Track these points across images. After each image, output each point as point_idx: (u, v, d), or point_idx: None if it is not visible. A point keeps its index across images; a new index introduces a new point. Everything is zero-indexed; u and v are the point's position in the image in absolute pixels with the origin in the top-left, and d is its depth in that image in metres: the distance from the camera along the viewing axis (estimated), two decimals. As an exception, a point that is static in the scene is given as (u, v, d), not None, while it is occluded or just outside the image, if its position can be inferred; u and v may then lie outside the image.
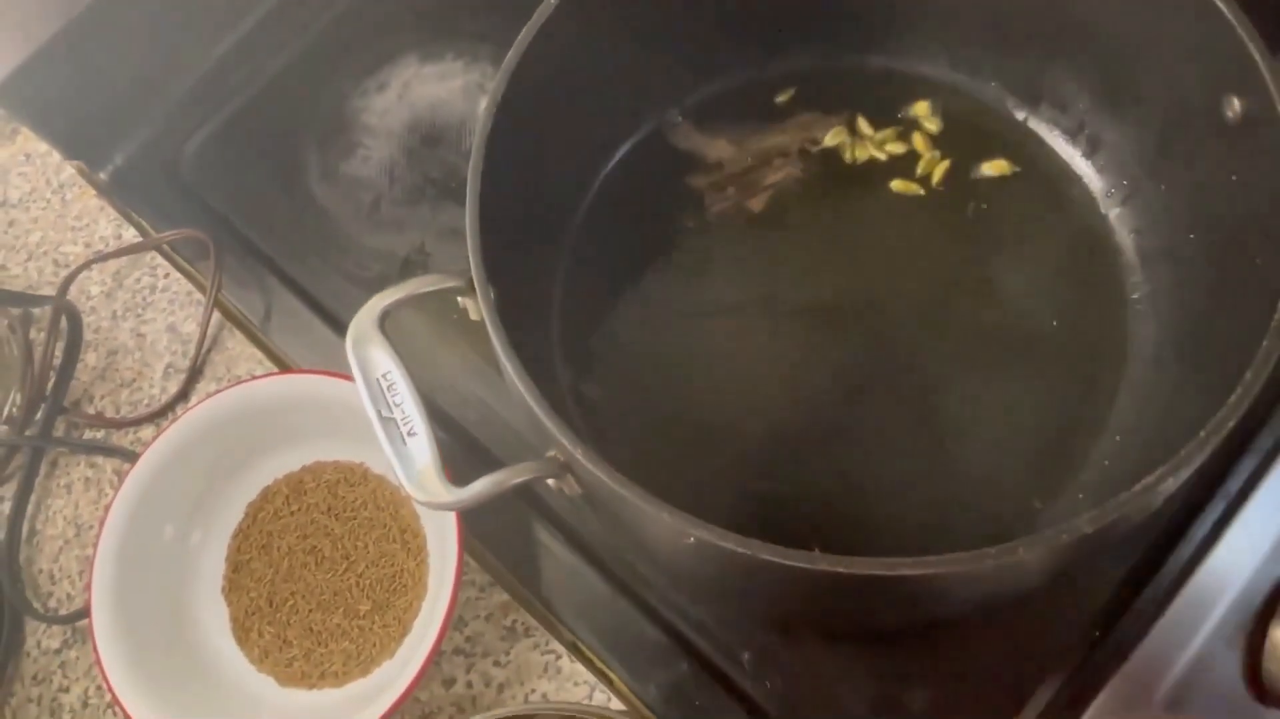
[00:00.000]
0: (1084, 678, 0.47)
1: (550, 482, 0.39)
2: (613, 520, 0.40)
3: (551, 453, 0.38)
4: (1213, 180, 0.47)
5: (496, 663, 0.49)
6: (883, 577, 0.33)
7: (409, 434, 0.38)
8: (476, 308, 0.41)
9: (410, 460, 0.38)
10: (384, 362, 0.39)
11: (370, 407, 0.38)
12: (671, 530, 0.35)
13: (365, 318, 0.40)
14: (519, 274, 0.45)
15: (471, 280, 0.41)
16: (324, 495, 0.53)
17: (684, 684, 0.48)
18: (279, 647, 0.51)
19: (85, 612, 0.54)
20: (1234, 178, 0.45)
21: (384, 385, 0.39)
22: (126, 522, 0.50)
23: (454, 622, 0.50)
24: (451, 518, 0.47)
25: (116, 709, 0.51)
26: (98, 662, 0.47)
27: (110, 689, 0.46)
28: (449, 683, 0.49)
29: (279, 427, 0.53)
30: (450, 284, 0.41)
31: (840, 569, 0.33)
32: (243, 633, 0.51)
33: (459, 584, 0.46)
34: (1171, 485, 0.34)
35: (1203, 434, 0.35)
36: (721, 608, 0.47)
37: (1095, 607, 0.48)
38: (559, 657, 0.49)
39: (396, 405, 0.39)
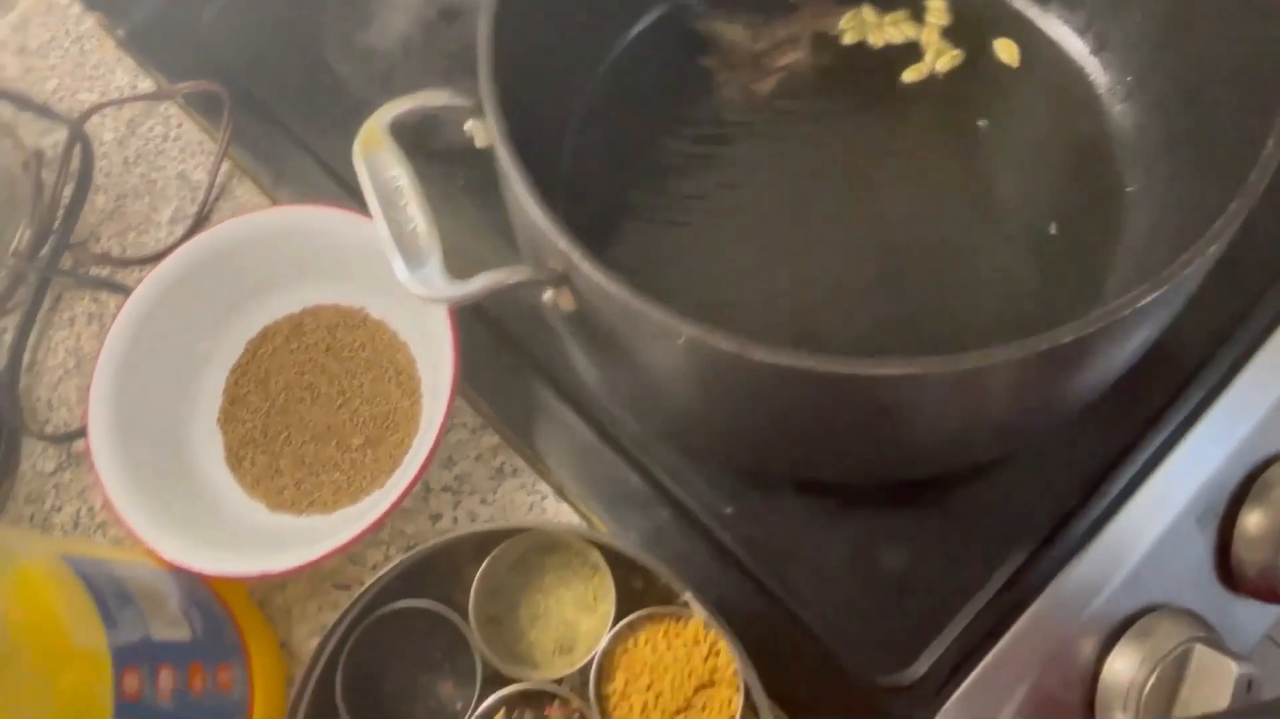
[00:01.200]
0: (1055, 549, 0.48)
1: (546, 296, 0.40)
2: (605, 339, 0.41)
3: (551, 263, 0.39)
4: (1213, 71, 0.48)
5: (484, 501, 0.50)
6: (865, 376, 0.34)
7: (413, 232, 0.39)
8: (484, 133, 0.42)
9: (414, 256, 0.38)
10: (392, 164, 0.40)
11: (375, 202, 0.39)
12: (663, 333, 0.36)
13: (374, 123, 0.41)
14: (527, 120, 0.46)
15: (480, 103, 0.42)
16: (323, 336, 0.54)
17: (664, 531, 0.49)
18: (271, 475, 0.52)
19: (82, 432, 0.55)
20: (1233, 65, 0.46)
21: (391, 187, 0.40)
22: (128, 343, 0.51)
23: (443, 461, 0.51)
24: (448, 356, 0.48)
25: (107, 529, 0.52)
26: (95, 473, 0.48)
27: (107, 498, 0.47)
28: (435, 518, 0.51)
29: (281, 263, 0.53)
30: (459, 102, 0.42)
31: (825, 368, 0.34)
32: (236, 461, 0.52)
33: (450, 412, 0.47)
34: (1145, 302, 0.34)
35: (1164, 272, 0.35)
36: (705, 451, 0.48)
37: (1073, 480, 0.49)
38: (544, 498, 0.50)
39: (401, 206, 0.39)
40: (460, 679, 0.46)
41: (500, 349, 0.53)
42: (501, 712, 0.43)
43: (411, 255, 0.39)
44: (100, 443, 0.49)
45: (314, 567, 0.47)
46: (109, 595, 0.37)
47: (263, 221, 0.53)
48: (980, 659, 0.47)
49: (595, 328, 0.41)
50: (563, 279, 0.39)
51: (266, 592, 0.51)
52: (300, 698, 0.44)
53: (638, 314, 0.36)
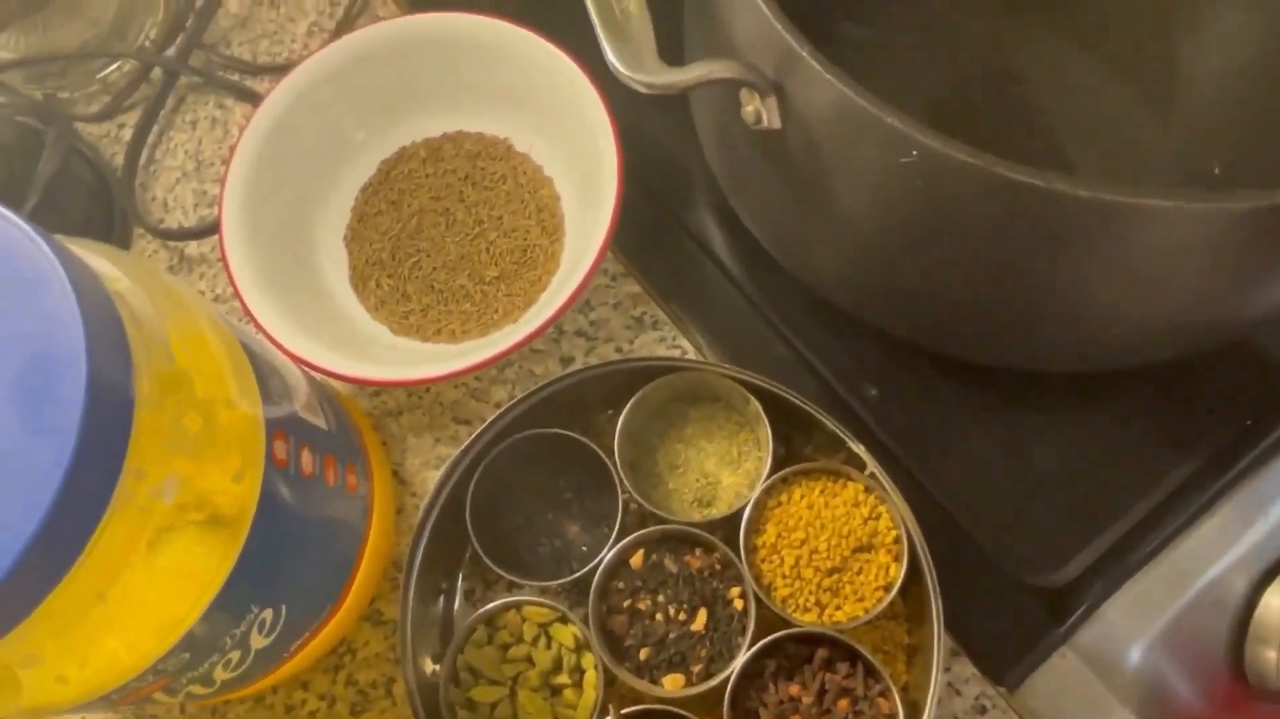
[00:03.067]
0: (1224, 469, 0.45)
1: (748, 109, 0.37)
2: (804, 159, 0.38)
3: (766, 67, 0.36)
4: None
5: (618, 350, 0.48)
6: (1128, 205, 0.31)
7: (624, 13, 0.36)
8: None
9: (624, 38, 0.35)
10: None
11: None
12: (890, 143, 0.33)
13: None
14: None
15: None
16: (463, 163, 0.51)
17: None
18: (396, 299, 0.49)
19: (197, 233, 0.52)
20: None
21: (601, -32, 0.37)
22: (260, 149, 0.48)
23: (579, 305, 0.49)
24: (609, 196, 0.45)
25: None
26: (227, 270, 0.45)
27: (239, 294, 0.45)
28: (567, 361, 0.48)
29: (424, 81, 0.50)
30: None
31: (1083, 193, 0.31)
32: (361, 282, 0.50)
33: (602, 256, 0.44)
34: None
35: None
36: (866, 311, 0.45)
37: (1249, 398, 0.46)
38: (684, 353, 0.47)
39: (613, -11, 0.36)
40: (588, 520, 0.43)
41: (653, 209, 0.50)
42: (640, 553, 0.40)
43: (622, 38, 0.36)
44: (233, 242, 0.46)
45: (445, 381, 0.45)
46: (261, 363, 0.35)
47: (407, 29, 0.50)
48: (1134, 572, 0.44)
49: (795, 146, 0.38)
50: (774, 86, 0.36)
51: (382, 418, 0.48)
52: (426, 519, 0.42)
53: (866, 121, 0.33)
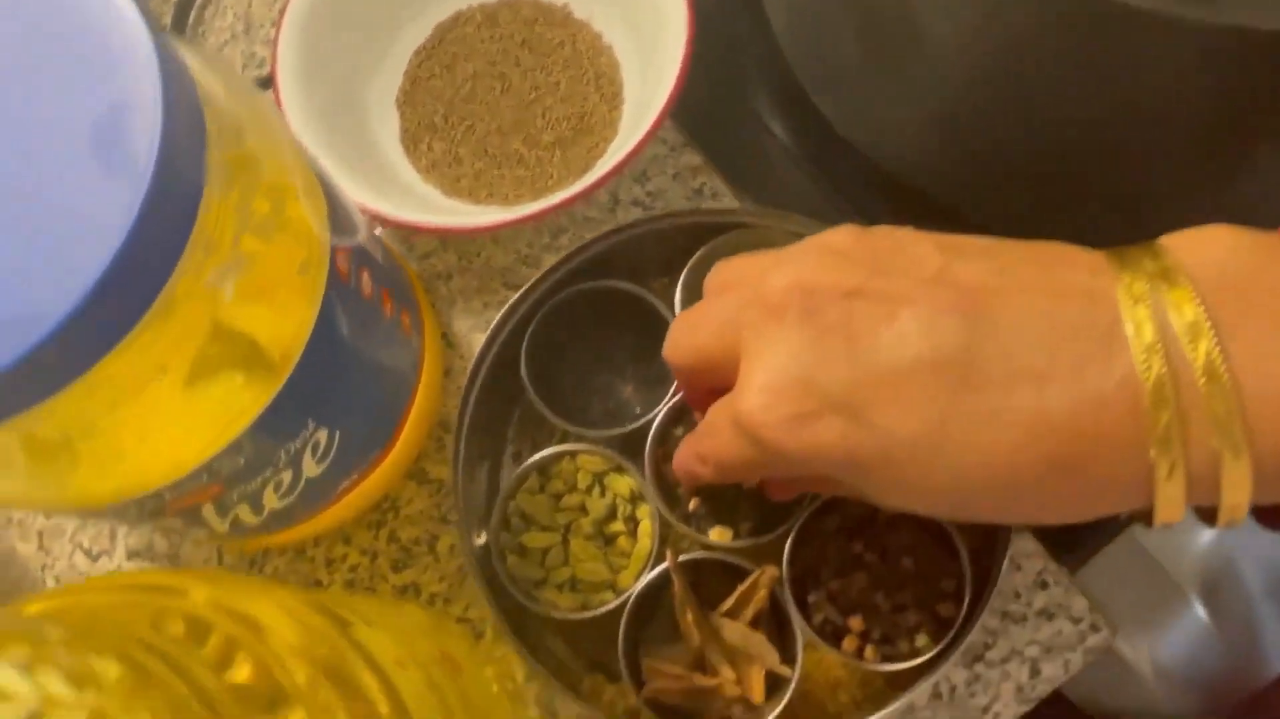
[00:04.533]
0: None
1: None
2: (894, 2, 0.36)
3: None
4: None
5: (676, 219, 0.47)
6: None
7: None
8: None
9: None
10: None
11: None
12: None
13: None
14: None
15: None
16: (520, 28, 0.49)
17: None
18: (448, 163, 0.48)
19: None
20: None
21: None
22: (310, 9, 0.47)
23: (636, 175, 0.47)
24: (674, 59, 0.43)
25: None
26: (284, 118, 0.44)
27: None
28: (622, 229, 0.47)
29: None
30: None
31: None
32: (412, 144, 0.48)
33: (662, 119, 0.42)
34: None
35: None
36: (955, 183, 0.44)
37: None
38: (744, 224, 0.46)
39: None
40: (641, 383, 0.42)
41: (713, 79, 0.49)
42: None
43: None
44: (288, 98, 0.45)
45: (496, 230, 0.44)
46: (325, 184, 0.34)
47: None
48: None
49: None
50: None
51: (430, 281, 0.47)
52: (479, 368, 0.41)
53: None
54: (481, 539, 0.39)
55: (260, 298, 0.28)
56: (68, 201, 0.23)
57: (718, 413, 0.30)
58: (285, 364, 0.30)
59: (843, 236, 0.28)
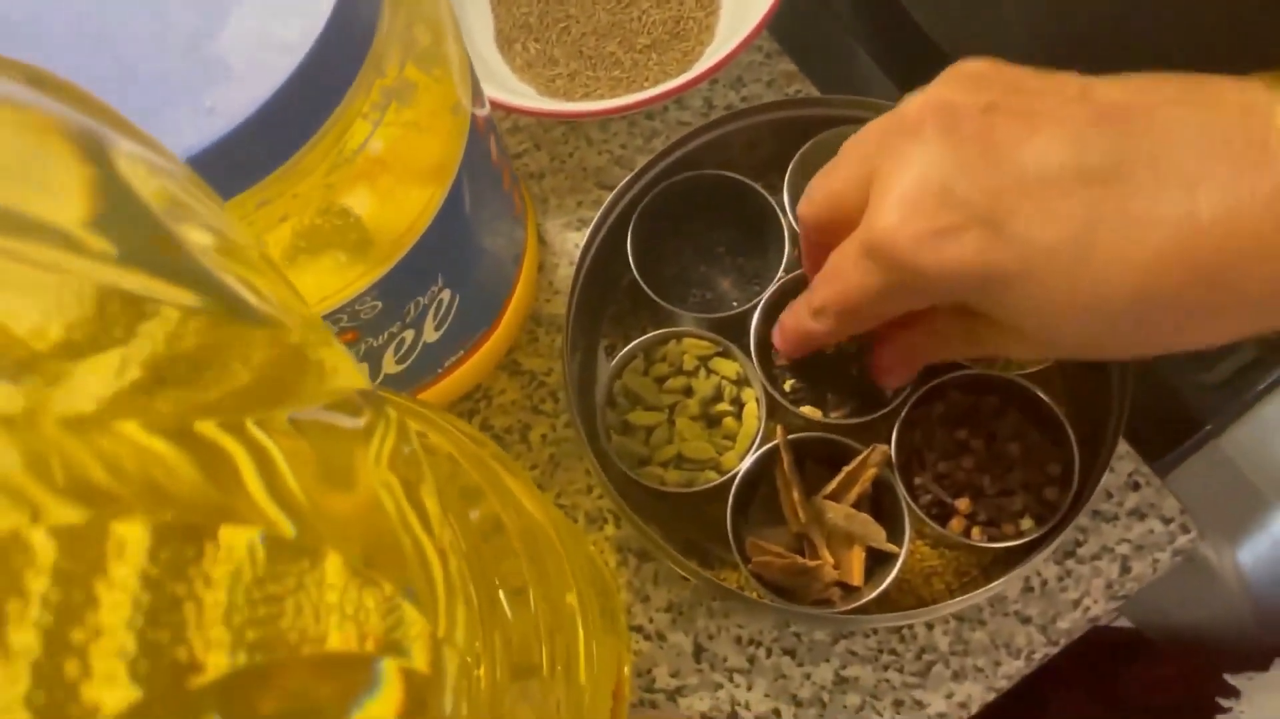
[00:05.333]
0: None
1: None
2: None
3: None
4: None
5: (770, 125, 0.47)
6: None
7: None
8: None
9: None
10: None
11: None
12: None
13: None
14: None
15: None
16: (616, -63, 0.50)
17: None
18: (544, 63, 0.48)
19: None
20: None
21: None
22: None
23: (732, 81, 0.48)
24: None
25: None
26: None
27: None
28: (716, 133, 0.47)
29: None
30: None
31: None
32: (506, 44, 0.49)
33: (761, 27, 0.43)
34: None
35: None
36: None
37: None
38: (839, 131, 0.46)
39: None
40: (740, 276, 0.42)
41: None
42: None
43: None
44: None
45: (590, 118, 0.44)
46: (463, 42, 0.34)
47: None
48: (1290, 374, 0.43)
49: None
50: None
51: (525, 179, 0.47)
52: (586, 254, 0.41)
53: None
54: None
55: (416, 128, 0.28)
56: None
57: (841, 252, 0.29)
58: (431, 205, 0.30)
59: (980, 63, 0.28)
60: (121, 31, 0.24)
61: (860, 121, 0.41)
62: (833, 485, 0.37)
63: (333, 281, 0.29)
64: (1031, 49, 0.44)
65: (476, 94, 0.34)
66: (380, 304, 0.31)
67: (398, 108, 0.27)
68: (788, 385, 0.38)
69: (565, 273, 0.45)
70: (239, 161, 0.24)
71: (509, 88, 0.47)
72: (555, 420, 0.43)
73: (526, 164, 0.47)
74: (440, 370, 0.39)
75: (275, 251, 0.27)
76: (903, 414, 0.37)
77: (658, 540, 0.35)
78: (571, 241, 0.46)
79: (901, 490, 0.36)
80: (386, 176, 0.28)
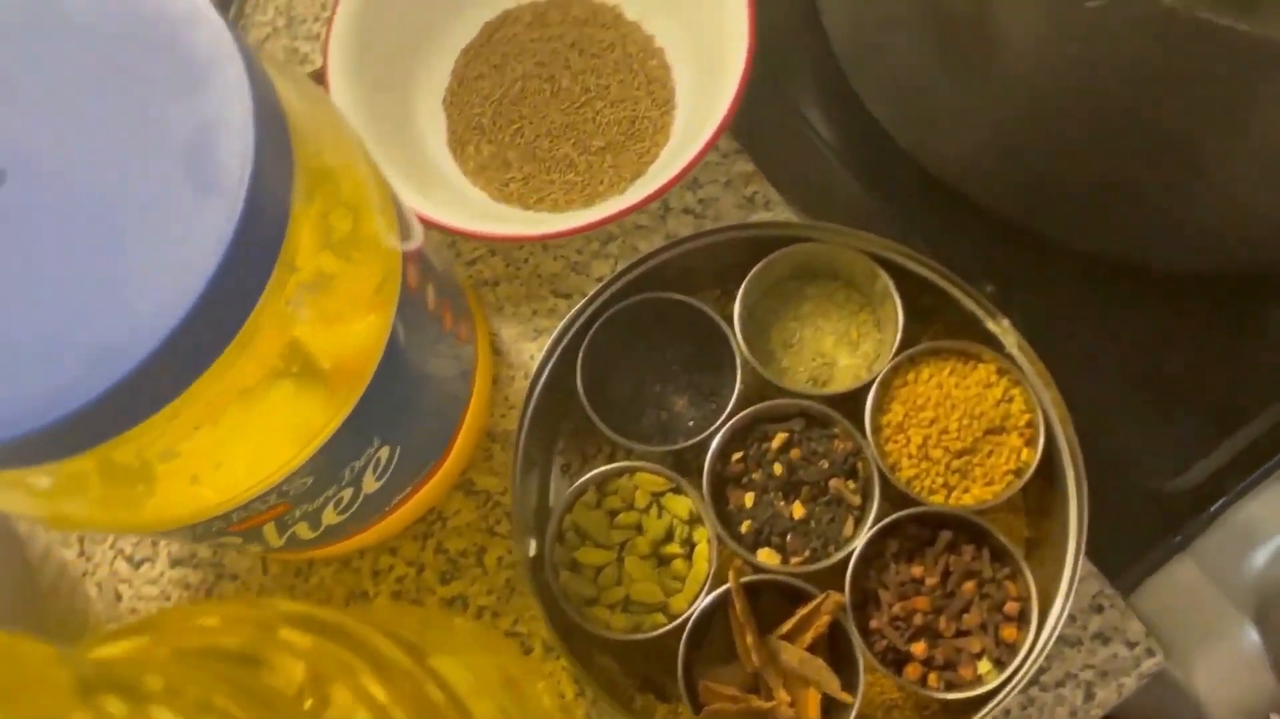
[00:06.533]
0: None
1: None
2: (970, 9, 0.35)
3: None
4: None
5: (728, 229, 0.46)
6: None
7: None
8: None
9: None
10: None
11: None
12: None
13: None
14: None
15: None
16: (570, 29, 0.49)
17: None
18: (497, 165, 0.47)
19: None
20: None
21: None
22: (358, 9, 0.46)
23: (688, 182, 0.47)
24: (735, 68, 0.42)
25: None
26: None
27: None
28: (673, 238, 0.46)
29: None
30: None
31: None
32: (459, 146, 0.48)
33: (722, 130, 0.42)
34: None
35: None
36: (998, 193, 0.43)
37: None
38: (798, 235, 0.46)
39: None
40: (696, 394, 0.41)
41: (765, 87, 0.48)
42: (758, 427, 0.39)
43: None
44: (338, 92, 0.44)
45: (548, 241, 0.43)
46: (391, 191, 0.33)
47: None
48: (1260, 480, 0.42)
49: (955, 3, 0.36)
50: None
51: (478, 288, 0.46)
52: (536, 382, 0.40)
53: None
54: (533, 550, 0.39)
55: (338, 317, 0.27)
56: (158, 226, 0.23)
57: None
58: (359, 382, 0.29)
59: None
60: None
61: (814, 242, 0.40)
62: (788, 626, 0.36)
63: (255, 473, 0.28)
64: (985, 152, 0.43)
65: (407, 232, 0.33)
66: (311, 479, 0.30)
67: (315, 300, 0.26)
68: (744, 527, 0.37)
69: (521, 386, 0.44)
70: (144, 393, 0.23)
71: (462, 194, 0.46)
72: (512, 543, 0.43)
73: (481, 270, 0.47)
74: (388, 508, 0.38)
75: (191, 459, 0.26)
76: (857, 551, 0.36)
77: (599, 692, 0.35)
78: (527, 353, 0.45)
79: (856, 638, 0.35)
80: (304, 371, 0.27)
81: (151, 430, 0.24)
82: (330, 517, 0.34)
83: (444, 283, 0.36)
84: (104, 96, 0.24)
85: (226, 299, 0.23)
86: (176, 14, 0.25)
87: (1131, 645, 0.39)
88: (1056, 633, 0.35)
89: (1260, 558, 0.41)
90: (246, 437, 0.27)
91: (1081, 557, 0.36)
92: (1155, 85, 0.33)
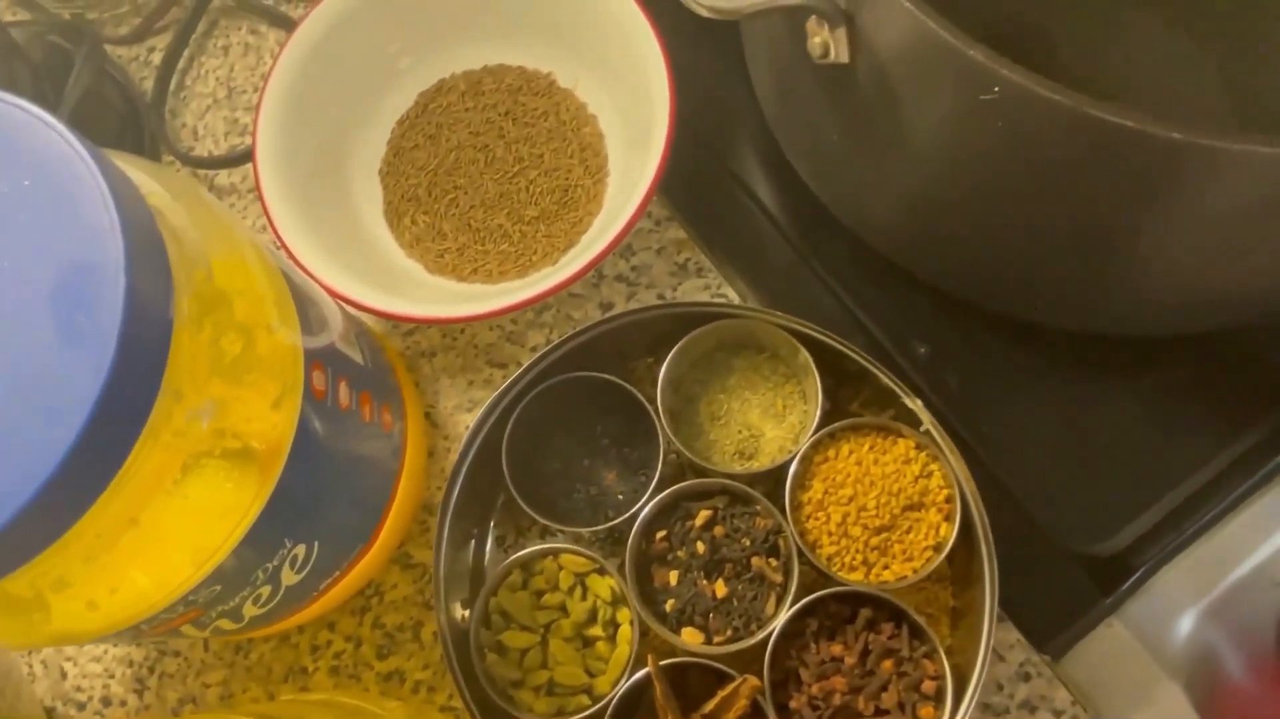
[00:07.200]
0: (1282, 443, 0.44)
1: (815, 41, 0.35)
2: (868, 97, 0.36)
3: (838, -1, 0.34)
4: None
5: (660, 296, 0.46)
6: (1234, 151, 0.29)
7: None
8: None
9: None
10: None
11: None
12: (973, 80, 0.31)
13: None
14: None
15: None
16: (503, 98, 0.49)
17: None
18: (432, 237, 0.47)
19: (228, 161, 0.51)
20: None
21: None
22: (296, 75, 0.46)
23: (621, 249, 0.47)
24: (659, 136, 0.43)
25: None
26: (261, 199, 0.44)
27: (272, 224, 0.43)
28: (606, 307, 0.46)
29: (463, 11, 0.48)
30: None
31: (1168, 134, 0.29)
32: (395, 217, 0.48)
33: (649, 198, 0.42)
34: None
35: None
36: (920, 264, 0.43)
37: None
38: (729, 301, 0.46)
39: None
40: (625, 468, 0.42)
41: (700, 153, 0.48)
42: (681, 506, 0.39)
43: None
44: (267, 170, 0.45)
45: (480, 321, 0.43)
46: (299, 292, 0.33)
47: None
48: (1187, 544, 0.42)
49: (863, 82, 0.36)
50: (845, 16, 0.34)
51: (415, 359, 0.47)
52: (462, 462, 0.40)
53: (946, 54, 0.31)
54: (462, 619, 0.39)
55: (233, 438, 0.28)
56: (32, 374, 0.23)
57: None
58: (260, 495, 0.30)
59: None
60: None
61: (741, 319, 0.41)
62: (710, 707, 0.36)
63: (154, 593, 0.28)
64: (903, 224, 0.43)
65: (317, 328, 0.33)
66: (220, 586, 0.31)
67: (208, 426, 0.27)
68: (668, 605, 0.38)
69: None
70: (26, 536, 0.23)
71: (396, 267, 0.47)
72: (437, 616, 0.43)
73: (418, 342, 0.47)
74: (315, 594, 0.38)
75: (85, 586, 0.26)
76: (776, 630, 0.36)
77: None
78: (463, 424, 0.45)
79: (773, 719, 0.35)
80: (200, 493, 0.27)
81: (40, 566, 0.25)
82: (252, 610, 0.35)
83: (362, 374, 0.37)
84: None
85: (102, 443, 0.24)
86: (54, 157, 0.25)
87: (1058, 714, 0.40)
88: (973, 708, 0.35)
89: (1187, 622, 0.41)
90: (141, 560, 0.27)
91: (994, 632, 0.36)
92: (1053, 173, 0.33)
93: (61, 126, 0.25)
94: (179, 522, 0.27)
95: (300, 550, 0.34)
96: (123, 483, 0.25)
